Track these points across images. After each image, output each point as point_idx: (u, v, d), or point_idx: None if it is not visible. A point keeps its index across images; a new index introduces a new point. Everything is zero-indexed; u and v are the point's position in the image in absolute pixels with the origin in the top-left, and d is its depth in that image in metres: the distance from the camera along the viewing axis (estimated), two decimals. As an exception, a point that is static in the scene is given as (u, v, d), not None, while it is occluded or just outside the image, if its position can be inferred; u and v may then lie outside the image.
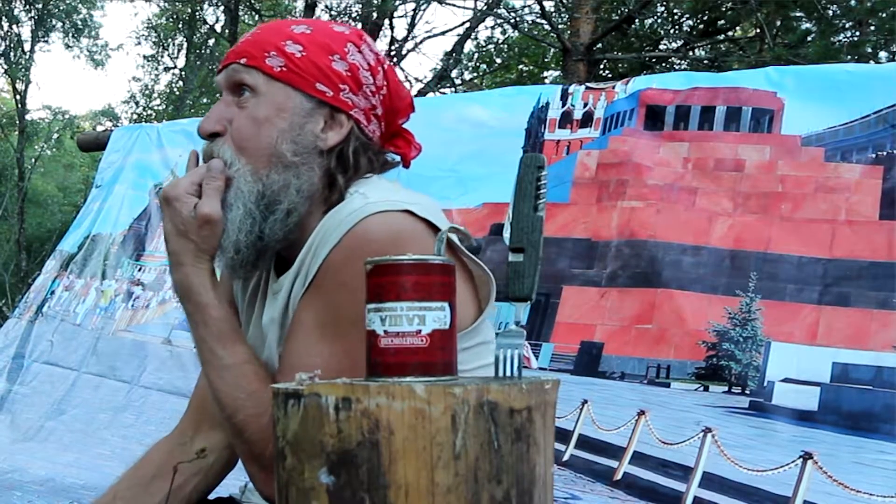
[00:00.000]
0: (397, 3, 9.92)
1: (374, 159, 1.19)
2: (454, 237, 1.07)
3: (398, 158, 1.26)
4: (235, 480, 1.31)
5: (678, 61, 8.59)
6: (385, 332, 0.78)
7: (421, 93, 9.53)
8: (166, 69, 16.98)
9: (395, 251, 0.87)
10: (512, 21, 10.28)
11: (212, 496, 1.34)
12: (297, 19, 1.25)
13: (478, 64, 12.24)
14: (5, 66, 14.58)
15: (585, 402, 2.36)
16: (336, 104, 1.15)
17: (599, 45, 7.88)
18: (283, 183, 1.13)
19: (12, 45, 14.52)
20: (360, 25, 10.56)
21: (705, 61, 8.36)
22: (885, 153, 2.18)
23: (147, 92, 17.43)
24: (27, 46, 14.91)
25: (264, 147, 1.13)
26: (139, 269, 3.73)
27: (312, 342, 1.07)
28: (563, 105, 2.82)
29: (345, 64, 1.15)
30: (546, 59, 11.81)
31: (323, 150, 1.15)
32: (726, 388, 2.22)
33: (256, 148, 1.14)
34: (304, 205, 1.14)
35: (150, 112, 16.41)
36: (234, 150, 1.14)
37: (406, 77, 10.00)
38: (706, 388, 2.25)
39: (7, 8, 14.00)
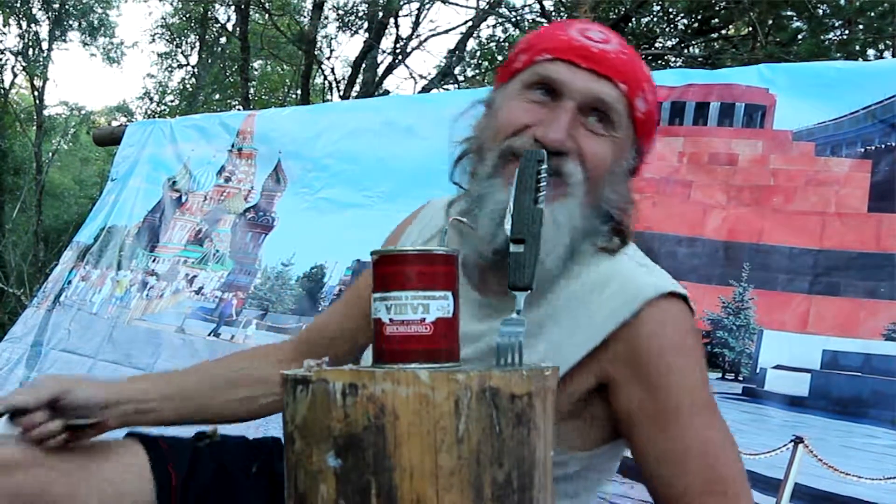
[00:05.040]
0: (402, 2, 9.96)
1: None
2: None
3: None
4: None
5: (673, 59, 8.56)
6: (391, 320, 0.79)
7: (425, 89, 9.61)
8: (179, 66, 17.04)
9: (696, 338, 0.91)
10: (513, 20, 10.29)
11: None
12: (627, 45, 1.07)
13: (480, 61, 12.23)
14: (24, 64, 14.69)
15: (584, 389, 2.40)
16: (639, 170, 1.10)
17: (598, 44, 7.86)
18: (593, 229, 1.06)
19: (30, 44, 14.64)
20: (366, 24, 10.63)
21: (700, 59, 8.34)
22: (873, 147, 2.18)
23: (161, 88, 17.52)
24: (45, 45, 15.03)
25: (600, 189, 1.05)
26: (153, 260, 3.73)
27: (707, 421, 1.04)
28: (564, 101, 2.85)
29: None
30: (548, 58, 11.72)
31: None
32: (720, 375, 2.21)
33: (596, 186, 1.04)
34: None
35: (163, 108, 16.49)
36: (583, 176, 1.03)
37: (410, 74, 10.04)
38: (701, 375, 2.28)
39: (26, 8, 14.14)
